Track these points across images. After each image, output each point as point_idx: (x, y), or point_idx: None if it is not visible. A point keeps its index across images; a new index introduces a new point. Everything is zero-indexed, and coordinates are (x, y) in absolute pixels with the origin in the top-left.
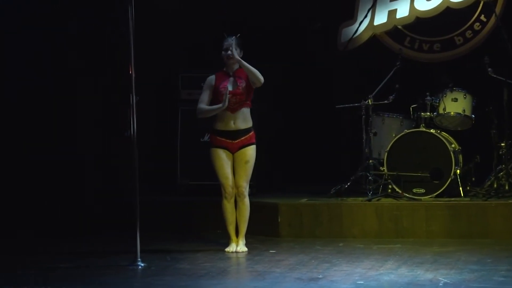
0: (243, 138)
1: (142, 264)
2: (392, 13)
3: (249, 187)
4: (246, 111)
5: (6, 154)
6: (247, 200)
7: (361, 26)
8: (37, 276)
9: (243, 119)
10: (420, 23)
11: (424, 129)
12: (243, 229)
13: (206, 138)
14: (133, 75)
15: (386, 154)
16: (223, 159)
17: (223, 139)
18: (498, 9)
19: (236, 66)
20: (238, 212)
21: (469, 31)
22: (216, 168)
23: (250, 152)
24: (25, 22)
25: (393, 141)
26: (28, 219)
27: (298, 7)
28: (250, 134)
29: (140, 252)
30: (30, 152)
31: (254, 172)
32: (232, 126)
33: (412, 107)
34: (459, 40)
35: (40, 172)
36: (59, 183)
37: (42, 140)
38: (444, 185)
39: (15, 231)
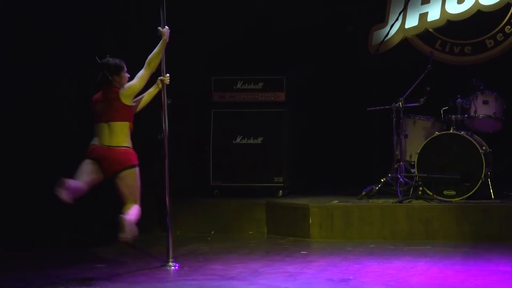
0: None
1: (175, 265)
2: (423, 16)
3: (281, 188)
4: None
5: (45, 158)
6: None
7: (392, 29)
8: (74, 276)
9: None
10: (451, 26)
11: (454, 132)
12: None
13: (238, 140)
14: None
15: (417, 156)
16: None
17: None
18: None
19: None
20: None
21: (500, 34)
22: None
23: None
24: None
25: (424, 143)
26: (64, 221)
27: (329, 10)
28: None
29: (173, 252)
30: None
31: (286, 173)
32: None
33: (443, 110)
34: (490, 43)
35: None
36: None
37: (78, 141)
38: (474, 187)
39: (55, 234)
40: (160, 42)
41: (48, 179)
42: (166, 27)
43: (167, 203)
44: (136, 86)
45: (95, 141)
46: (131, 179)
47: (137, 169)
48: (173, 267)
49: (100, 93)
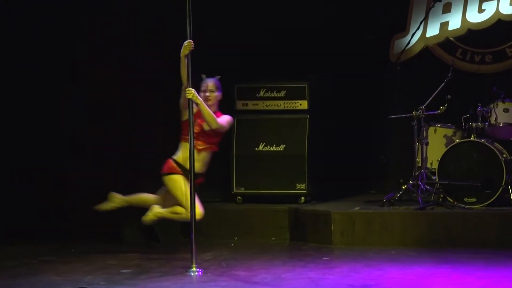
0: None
1: (198, 270)
2: (444, 25)
3: (303, 195)
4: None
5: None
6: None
7: (414, 38)
8: (101, 281)
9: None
10: (472, 35)
11: (475, 139)
12: None
13: (261, 147)
14: (190, 86)
15: (438, 163)
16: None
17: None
18: None
19: (214, 108)
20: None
21: None
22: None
23: None
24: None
25: (445, 151)
26: (92, 226)
27: (351, 18)
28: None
29: (196, 258)
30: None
31: (308, 180)
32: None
33: (463, 118)
34: (510, 51)
35: (102, 176)
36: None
37: (108, 144)
38: (495, 195)
39: (82, 239)
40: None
41: (80, 183)
42: (187, 41)
43: (191, 210)
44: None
45: None
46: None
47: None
48: (196, 273)
49: None
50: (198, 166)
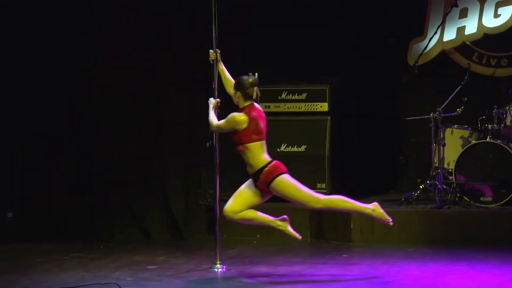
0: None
1: (222, 267)
2: (460, 29)
3: (324, 194)
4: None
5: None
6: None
7: (431, 42)
8: (128, 277)
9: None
10: (488, 39)
11: (491, 140)
12: None
13: (282, 148)
14: (216, 88)
15: (454, 163)
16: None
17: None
18: None
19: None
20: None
21: None
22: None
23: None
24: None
25: (461, 152)
26: (119, 223)
27: (371, 23)
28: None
29: (220, 255)
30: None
31: (328, 180)
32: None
33: (479, 119)
34: None
35: (128, 179)
36: (143, 190)
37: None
38: (510, 194)
39: (110, 235)
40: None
41: (111, 180)
42: (213, 50)
43: (216, 208)
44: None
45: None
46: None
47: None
48: (220, 269)
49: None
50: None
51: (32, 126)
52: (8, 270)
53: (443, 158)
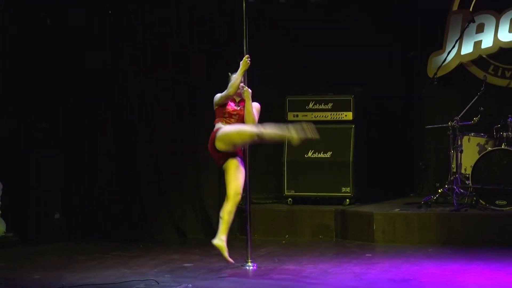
0: None
1: (253, 265)
2: (477, 43)
3: (348, 197)
4: None
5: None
6: None
7: (450, 55)
8: (166, 274)
9: None
10: (503, 53)
11: (506, 147)
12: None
13: (310, 154)
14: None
15: (471, 169)
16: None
17: None
18: None
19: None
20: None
21: None
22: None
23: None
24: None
25: (477, 158)
26: (158, 222)
27: (393, 37)
28: None
29: (251, 254)
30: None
31: (352, 184)
32: None
33: (495, 128)
34: None
35: (167, 178)
36: (180, 192)
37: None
38: None
39: (149, 235)
40: (240, 68)
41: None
42: (246, 56)
43: (247, 210)
44: (215, 98)
45: None
46: None
47: None
48: (251, 267)
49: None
50: None
51: (74, 130)
52: (56, 267)
53: (461, 164)
